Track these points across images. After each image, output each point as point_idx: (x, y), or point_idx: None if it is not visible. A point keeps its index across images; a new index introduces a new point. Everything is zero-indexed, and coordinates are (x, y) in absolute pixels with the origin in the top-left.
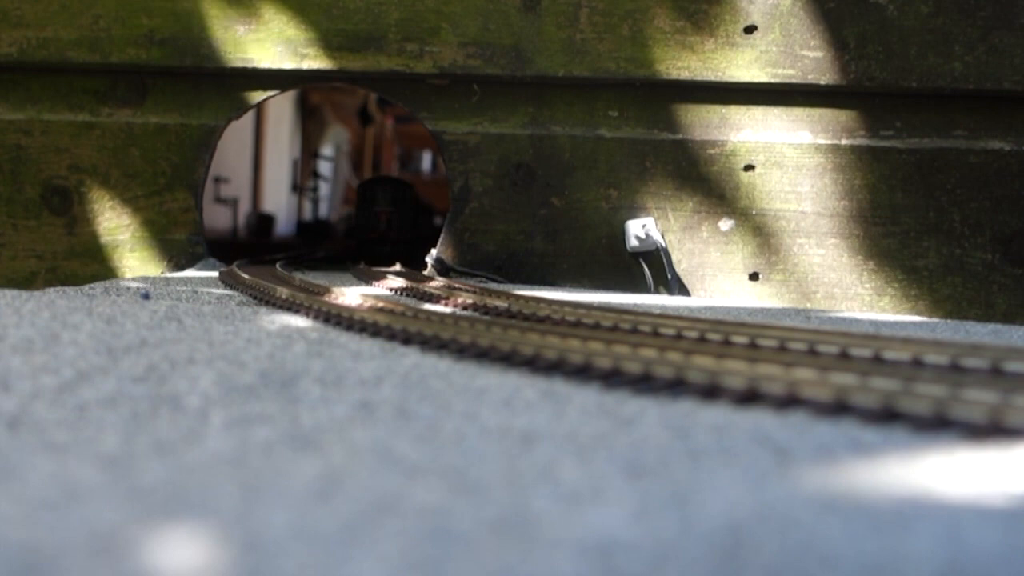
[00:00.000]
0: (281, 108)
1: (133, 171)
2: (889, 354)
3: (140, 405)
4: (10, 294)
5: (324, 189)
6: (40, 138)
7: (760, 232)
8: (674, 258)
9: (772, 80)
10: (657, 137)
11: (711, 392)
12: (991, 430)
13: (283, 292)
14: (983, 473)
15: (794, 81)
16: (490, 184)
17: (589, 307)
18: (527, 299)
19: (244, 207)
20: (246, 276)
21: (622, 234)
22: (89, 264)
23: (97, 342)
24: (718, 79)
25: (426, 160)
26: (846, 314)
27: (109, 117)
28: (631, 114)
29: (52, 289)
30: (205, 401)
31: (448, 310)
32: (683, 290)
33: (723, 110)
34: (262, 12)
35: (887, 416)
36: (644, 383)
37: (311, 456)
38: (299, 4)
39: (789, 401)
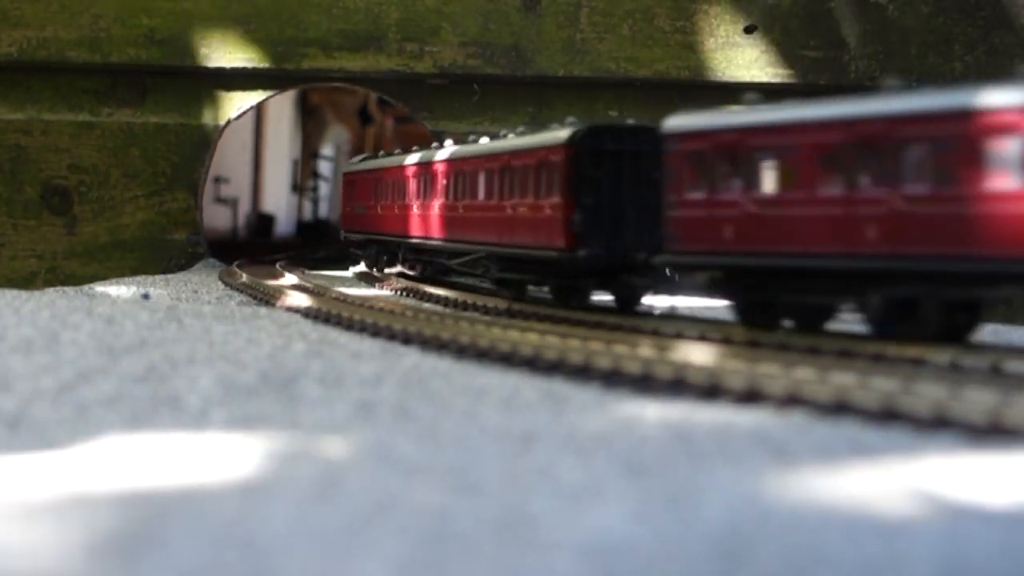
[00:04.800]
0: (281, 108)
1: (133, 171)
2: (889, 354)
3: (140, 405)
4: (10, 294)
5: (324, 189)
6: (40, 138)
7: None
8: None
9: (772, 80)
10: None
11: (711, 392)
12: (991, 430)
13: (283, 292)
14: (982, 474)
15: (794, 81)
16: None
17: (589, 307)
18: (526, 299)
19: (244, 207)
20: (246, 276)
21: None
22: (89, 264)
23: (97, 342)
24: (718, 79)
25: None
26: (847, 314)
27: (109, 117)
28: (631, 114)
29: (52, 289)
30: (205, 401)
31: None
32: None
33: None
34: (262, 12)
35: (887, 416)
36: (644, 383)
37: (311, 456)
38: (299, 4)
39: (789, 401)
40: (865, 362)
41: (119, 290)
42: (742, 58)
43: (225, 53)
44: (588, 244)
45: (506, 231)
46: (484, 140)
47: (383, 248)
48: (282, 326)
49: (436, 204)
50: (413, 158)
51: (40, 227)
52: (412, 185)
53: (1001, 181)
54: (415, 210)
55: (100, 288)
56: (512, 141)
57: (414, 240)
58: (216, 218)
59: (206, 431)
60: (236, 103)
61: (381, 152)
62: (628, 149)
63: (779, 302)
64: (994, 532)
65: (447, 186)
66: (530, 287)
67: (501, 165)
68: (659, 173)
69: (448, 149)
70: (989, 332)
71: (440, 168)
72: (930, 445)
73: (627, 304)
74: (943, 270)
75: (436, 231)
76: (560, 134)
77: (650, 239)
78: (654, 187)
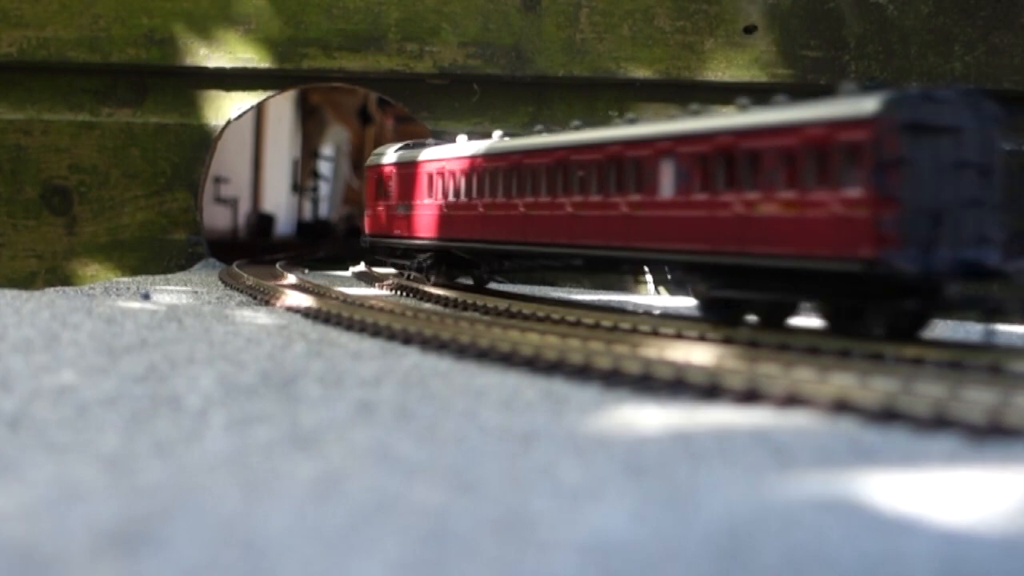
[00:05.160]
0: (281, 108)
1: (133, 171)
2: (889, 354)
3: (140, 405)
4: (10, 294)
5: (324, 189)
6: (40, 138)
7: None
8: None
9: (772, 80)
10: None
11: (711, 392)
12: (990, 430)
13: (283, 292)
14: (982, 473)
15: (794, 81)
16: None
17: (589, 307)
18: (527, 299)
19: (244, 207)
20: (246, 276)
21: None
22: (89, 264)
23: (97, 342)
24: (718, 79)
25: None
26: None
27: (109, 117)
28: (631, 114)
29: (52, 289)
30: (205, 401)
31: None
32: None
33: (723, 110)
34: (261, 12)
35: (887, 416)
36: (644, 383)
37: (311, 456)
38: (299, 4)
39: (789, 401)
40: (865, 362)
41: (119, 290)
42: (742, 58)
43: (225, 53)
44: (909, 252)
45: (731, 236)
46: (630, 117)
47: (444, 257)
48: (282, 326)
49: (567, 202)
50: (518, 143)
51: (40, 227)
52: (519, 178)
53: None
54: (521, 209)
55: (100, 288)
56: (742, 117)
57: (516, 247)
58: (216, 218)
59: (206, 431)
60: (236, 103)
61: (428, 140)
62: (948, 124)
63: None
64: (994, 532)
65: (586, 179)
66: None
67: (715, 149)
68: (984, 156)
69: (585, 132)
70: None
71: (573, 156)
72: (930, 445)
73: (903, 331)
74: None
75: (567, 236)
76: (863, 105)
77: (978, 245)
78: (977, 173)
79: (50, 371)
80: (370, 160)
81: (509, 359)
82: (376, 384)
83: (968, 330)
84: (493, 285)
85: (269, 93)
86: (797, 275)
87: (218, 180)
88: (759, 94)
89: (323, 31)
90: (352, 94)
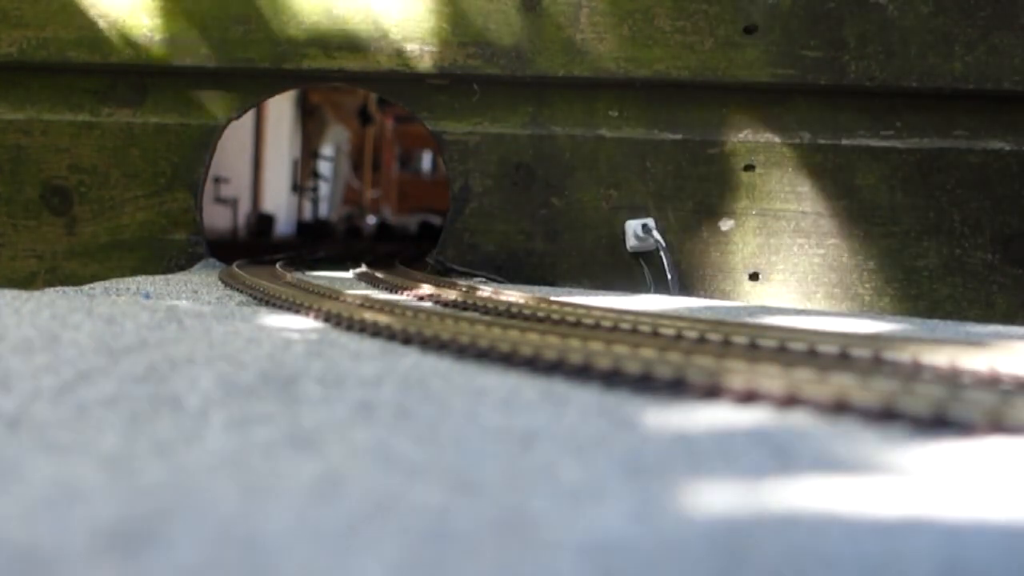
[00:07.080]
0: (281, 108)
1: (133, 171)
2: (889, 354)
3: (140, 405)
4: (10, 294)
5: (324, 189)
6: (40, 138)
7: (760, 232)
8: (674, 258)
9: (772, 80)
10: (657, 137)
11: (711, 392)
12: (991, 430)
13: (283, 292)
14: (983, 473)
15: (794, 81)
16: (490, 184)
17: (589, 307)
18: (528, 299)
19: (244, 207)
20: (246, 276)
21: (622, 234)
22: (89, 264)
23: (97, 342)
24: (718, 79)
25: (426, 160)
26: (846, 314)
27: (109, 117)
28: (631, 114)
29: (52, 289)
30: (205, 401)
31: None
32: (683, 290)
33: (723, 110)
34: (261, 12)
35: (887, 416)
36: (644, 383)
37: (311, 456)
38: (299, 4)
39: (789, 401)
40: (865, 362)
41: (119, 290)
42: (742, 58)
43: (225, 53)
44: None
45: None
46: None
47: None
48: (282, 326)
49: None
50: None
51: (40, 227)
52: None
53: None
54: None
55: (100, 288)
56: None
57: None
58: (216, 218)
59: (206, 431)
60: (236, 103)
61: None
62: None
63: None
64: (994, 532)
65: None
66: None
67: None
68: None
69: None
70: (989, 332)
71: None
72: (929, 445)
73: None
74: None
75: None
76: None
77: None
78: None
79: (50, 371)
80: None
81: (509, 359)
82: (376, 384)
83: (968, 331)
84: (492, 285)
85: (269, 93)
86: None
87: (218, 180)
88: (759, 94)
89: (323, 31)
90: (352, 94)
